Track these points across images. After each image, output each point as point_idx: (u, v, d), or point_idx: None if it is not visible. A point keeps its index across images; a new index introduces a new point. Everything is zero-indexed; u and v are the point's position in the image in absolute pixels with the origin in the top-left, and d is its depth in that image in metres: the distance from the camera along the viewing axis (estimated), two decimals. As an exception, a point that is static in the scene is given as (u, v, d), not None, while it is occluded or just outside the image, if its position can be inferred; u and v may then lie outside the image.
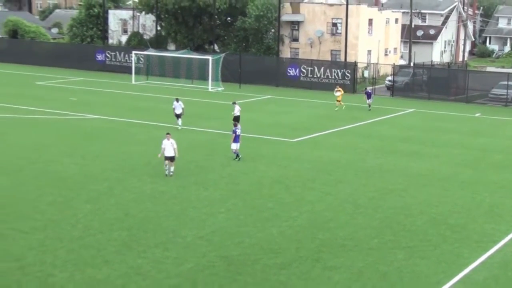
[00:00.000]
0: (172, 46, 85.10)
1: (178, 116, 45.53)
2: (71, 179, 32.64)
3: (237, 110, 45.42)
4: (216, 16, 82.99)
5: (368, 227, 26.90)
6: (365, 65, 76.95)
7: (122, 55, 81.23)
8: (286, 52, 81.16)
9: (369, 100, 56.72)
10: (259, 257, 23.49)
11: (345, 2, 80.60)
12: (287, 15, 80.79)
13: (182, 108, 45.61)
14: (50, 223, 26.35)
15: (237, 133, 37.10)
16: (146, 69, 75.31)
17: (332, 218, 27.91)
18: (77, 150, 38.94)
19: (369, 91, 57.73)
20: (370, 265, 22.99)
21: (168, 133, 33.31)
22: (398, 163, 38.19)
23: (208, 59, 69.84)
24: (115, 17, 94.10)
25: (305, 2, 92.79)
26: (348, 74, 69.81)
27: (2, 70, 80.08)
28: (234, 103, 46.24)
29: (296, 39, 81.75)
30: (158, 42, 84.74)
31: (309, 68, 71.85)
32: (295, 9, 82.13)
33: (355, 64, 70.87)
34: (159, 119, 48.14)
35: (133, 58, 75.08)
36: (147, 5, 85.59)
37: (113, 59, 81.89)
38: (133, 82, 71.22)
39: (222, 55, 72.95)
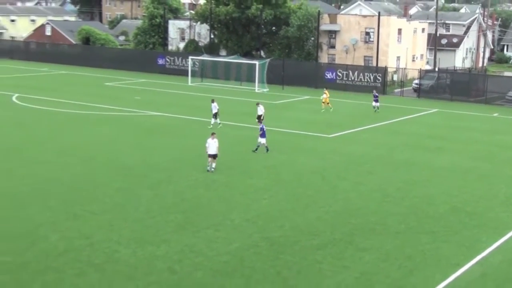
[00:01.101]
0: (223, 52, 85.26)
1: (214, 115, 45.11)
2: (135, 168, 32.99)
3: (260, 110, 44.68)
4: (262, 26, 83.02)
5: (396, 214, 26.74)
6: (395, 69, 76.40)
7: (180, 59, 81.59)
8: (324, 58, 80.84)
9: (376, 103, 54.96)
10: (298, 238, 23.51)
11: (377, 14, 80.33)
12: (325, 25, 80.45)
13: (217, 109, 45.01)
14: (116, 206, 26.70)
15: (264, 129, 37.07)
16: (201, 72, 75.56)
17: (363, 205, 27.80)
18: (141, 143, 39.33)
19: (377, 94, 55.86)
20: (397, 247, 22.87)
21: (213, 133, 32.87)
22: (422, 157, 37.82)
23: (255, 64, 69.92)
24: (174, 27, 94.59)
25: (342, 14, 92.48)
26: (379, 78, 69.36)
27: (76, 72, 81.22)
28: (258, 104, 45.62)
29: (333, 46, 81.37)
30: (212, 49, 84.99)
31: (344, 72, 71.51)
32: (333, 20, 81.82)
33: (385, 69, 70.42)
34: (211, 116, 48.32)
35: (190, 62, 75.45)
36: (202, 16, 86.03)
37: (172, 63, 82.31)
38: (189, 84, 71.58)
39: (268, 60, 72.91)
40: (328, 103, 54.76)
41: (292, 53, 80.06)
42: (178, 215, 25.77)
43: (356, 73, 70.92)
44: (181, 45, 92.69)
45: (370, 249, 22.67)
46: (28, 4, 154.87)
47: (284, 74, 71.85)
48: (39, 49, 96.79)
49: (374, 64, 75.07)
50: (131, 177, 31.10)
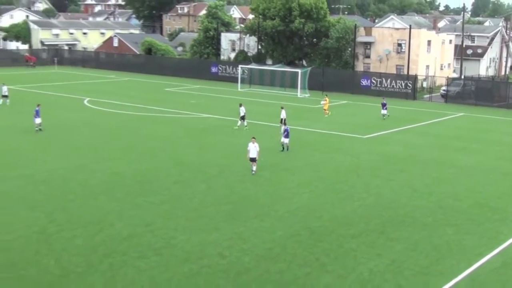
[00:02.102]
0: (269, 61, 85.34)
1: (241, 118, 44.77)
2: (191, 164, 33.25)
3: (283, 114, 43.31)
4: (304, 38, 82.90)
5: (424, 208, 26.43)
6: (424, 77, 75.45)
7: (231, 68, 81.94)
8: (360, 67, 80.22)
9: (385, 111, 52.05)
10: (335, 228, 23.43)
11: (408, 27, 79.46)
12: (361, 37, 79.82)
13: (244, 112, 44.56)
14: (174, 198, 26.96)
15: (288, 131, 36.79)
16: (249, 79, 75.74)
17: (394, 200, 27.55)
18: (196, 142, 39.64)
19: (385, 102, 53.19)
20: (424, 238, 22.62)
21: (253, 137, 31.70)
22: (449, 157, 37.26)
23: (297, 72, 69.78)
24: (226, 38, 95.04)
25: (376, 27, 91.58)
26: (410, 85, 68.52)
27: (139, 79, 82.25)
28: (282, 108, 44.43)
29: (368, 56, 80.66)
30: (259, 58, 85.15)
31: (378, 79, 70.85)
32: (368, 32, 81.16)
33: (415, 77, 69.55)
34: (259, 118, 48.38)
35: (239, 70, 75.68)
36: (251, 29, 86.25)
37: (224, 71, 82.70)
38: (239, 89, 71.81)
39: (309, 68, 72.71)
40: (325, 110, 52.71)
41: (331, 62, 79.70)
42: (228, 206, 25.92)
43: (388, 80, 70.23)
44: (232, 55, 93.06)
45: (400, 239, 22.48)
46: (98, 19, 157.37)
47: (324, 81, 71.56)
48: (108, 59, 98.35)
49: (405, 72, 74.20)
50: (187, 172, 31.38)
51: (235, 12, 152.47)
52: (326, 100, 53.39)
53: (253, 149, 30.98)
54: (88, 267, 19.30)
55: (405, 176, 32.17)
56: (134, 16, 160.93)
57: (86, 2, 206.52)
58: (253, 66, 76.61)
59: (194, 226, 23.30)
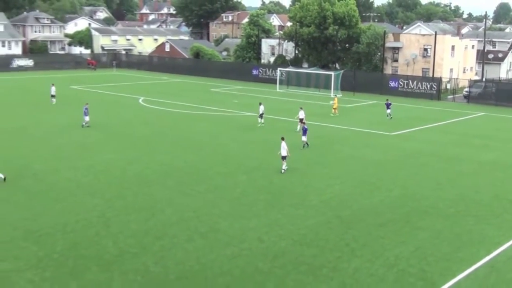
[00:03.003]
0: (305, 64, 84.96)
1: (260, 116, 44.32)
2: (233, 157, 33.35)
3: (301, 114, 42.06)
4: (337, 43, 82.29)
5: (446, 199, 26.01)
6: (448, 79, 74.13)
7: (270, 70, 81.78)
8: (388, 70, 79.16)
9: (388, 110, 50.09)
10: (364, 217, 23.25)
11: (434, 33, 78.12)
12: (390, 43, 78.77)
13: (263, 111, 44.27)
14: (218, 187, 27.11)
15: (306, 129, 36.03)
16: (287, 80, 75.52)
17: (419, 192, 27.17)
18: (238, 137, 39.74)
19: (389, 102, 50.92)
20: (447, 227, 22.29)
21: (282, 137, 30.50)
22: (470, 153, 36.53)
23: (331, 74, 69.35)
24: (266, 44, 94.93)
25: (404, 33, 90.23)
26: (435, 86, 67.42)
27: (188, 80, 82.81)
28: (301, 108, 43.40)
29: (396, 60, 79.53)
30: (296, 62, 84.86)
31: (405, 81, 69.83)
32: (396, 38, 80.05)
33: (440, 79, 68.51)
34: (295, 115, 48.23)
35: (278, 73, 75.50)
36: (289, 35, 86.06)
37: (264, 74, 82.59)
38: (277, 90, 71.70)
39: (341, 71, 72.09)
40: (335, 109, 51.27)
41: (362, 66, 78.93)
42: (267, 195, 25.94)
43: (415, 82, 69.19)
44: (271, 59, 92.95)
45: (424, 228, 22.18)
46: (152, 27, 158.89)
47: (355, 83, 71.00)
48: (160, 62, 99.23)
49: (431, 75, 73.06)
50: (230, 164, 31.48)
51: (275, 20, 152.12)
52: (335, 100, 52.44)
53: (284, 148, 29.97)
54: (141, 248, 19.58)
55: (429, 170, 31.68)
56: (184, 24, 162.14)
57: (141, 11, 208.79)
58: (291, 69, 76.39)
59: (236, 213, 23.41)
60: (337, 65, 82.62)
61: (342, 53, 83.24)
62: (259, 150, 35.56)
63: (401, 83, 70.23)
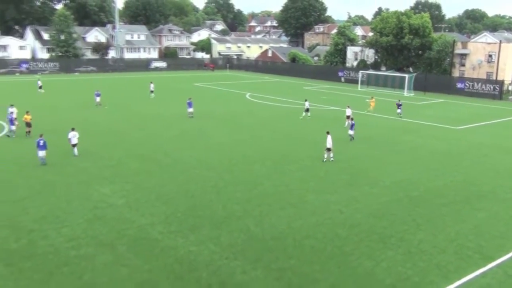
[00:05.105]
0: (383, 68, 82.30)
1: (306, 110, 42.85)
2: (319, 143, 31.88)
3: (348, 111, 39.74)
4: (412, 50, 78.85)
5: (504, 186, 24.35)
6: (510, 81, 68.95)
7: (353, 73, 79.99)
8: (456, 73, 74.77)
9: (399, 109, 44.57)
10: (429, 197, 22.32)
11: (498, 42, 72.81)
12: (458, 50, 74.34)
13: (308, 106, 42.91)
14: (306, 167, 26.83)
15: (353, 124, 33.92)
16: (367, 81, 73.62)
17: (479, 178, 25.63)
18: (324, 127, 38.81)
19: (400, 103, 45.20)
20: (504, 210, 20.94)
21: (328, 132, 28.86)
22: (528, 147, 33.96)
23: (405, 76, 66.83)
24: (351, 51, 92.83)
25: (471, 41, 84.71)
26: (497, 88, 63.01)
27: (285, 80, 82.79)
28: (348, 106, 41.06)
29: (463, 65, 74.93)
30: (375, 65, 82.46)
31: (471, 83, 65.70)
32: (464, 46, 75.37)
33: (502, 81, 63.88)
34: (379, 112, 46.97)
35: (360, 75, 73.77)
36: (370, 43, 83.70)
37: (348, 75, 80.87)
38: (359, 89, 70.09)
39: (414, 74, 69.28)
40: (371, 106, 47.72)
41: (433, 69, 75.22)
42: (347, 176, 25.55)
43: (479, 84, 64.97)
44: (355, 63, 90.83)
45: (482, 209, 20.95)
46: (258, 36, 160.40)
47: (426, 84, 67.88)
48: (263, 65, 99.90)
49: (494, 78, 68.29)
50: (316, 149, 31.10)
51: (359, 31, 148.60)
52: (372, 100, 48.79)
53: (329, 140, 28.21)
54: (244, 212, 19.98)
55: (490, 160, 29.76)
56: (284, 34, 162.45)
57: (250, 24, 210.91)
58: (371, 71, 74.38)
59: (321, 188, 23.27)
60: (410, 69, 79.36)
61: (416, 59, 79.70)
62: (341, 137, 34.90)
63: (467, 84, 66.21)
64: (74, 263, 15.39)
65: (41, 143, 25.94)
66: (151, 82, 57.19)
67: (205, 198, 21.51)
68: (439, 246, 17.28)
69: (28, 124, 33.16)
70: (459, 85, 66.74)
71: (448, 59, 74.76)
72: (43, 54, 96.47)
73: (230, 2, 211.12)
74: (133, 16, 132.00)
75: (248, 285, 14.48)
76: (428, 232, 18.38)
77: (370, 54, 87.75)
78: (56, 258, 15.70)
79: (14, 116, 34.35)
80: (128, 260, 15.68)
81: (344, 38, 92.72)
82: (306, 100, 44.85)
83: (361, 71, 74.59)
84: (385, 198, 22.19)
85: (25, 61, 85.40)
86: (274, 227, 18.58)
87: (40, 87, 58.30)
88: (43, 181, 23.16)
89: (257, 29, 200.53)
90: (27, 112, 34.01)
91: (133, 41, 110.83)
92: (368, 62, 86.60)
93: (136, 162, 26.92)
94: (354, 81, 76.36)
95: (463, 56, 74.83)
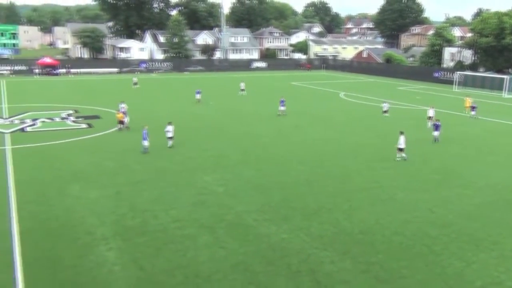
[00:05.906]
0: (481, 69, 76.41)
1: (385, 111, 40.39)
2: (411, 142, 30.79)
3: (431, 112, 36.50)
4: (514, 51, 72.62)
5: None
6: None
7: (449, 73, 75.22)
8: None
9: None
10: (527, 202, 20.33)
11: None
12: None
13: (387, 108, 40.92)
14: (397, 165, 25.74)
15: (437, 125, 31.05)
16: (464, 82, 68.83)
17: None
18: (417, 126, 37.13)
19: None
20: None
21: (401, 132, 27.13)
22: None
23: (505, 78, 61.58)
24: (448, 52, 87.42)
25: None
26: None
27: (379, 80, 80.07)
28: (432, 107, 37.49)
29: None
30: (473, 66, 76.83)
31: None
32: None
33: None
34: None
35: (456, 76, 69.11)
36: (469, 44, 78.43)
37: (444, 76, 76.22)
38: (454, 90, 65.77)
39: (515, 75, 63.75)
40: (467, 106, 43.18)
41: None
42: (438, 175, 24.11)
43: None
44: (451, 64, 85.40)
45: None
46: (354, 38, 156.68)
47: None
48: (358, 65, 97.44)
49: None
50: (407, 148, 29.52)
51: (457, 31, 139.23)
52: (467, 100, 44.35)
53: (402, 141, 26.46)
54: (335, 205, 19.69)
55: None
56: (379, 35, 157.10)
57: (346, 26, 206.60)
58: (467, 72, 69.39)
59: (411, 187, 22.23)
60: (510, 70, 72.86)
61: (518, 59, 73.12)
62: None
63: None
64: (179, 242, 16.20)
65: (145, 133, 27.56)
66: (242, 81, 58.58)
67: (298, 190, 21.51)
68: (536, 252, 15.73)
69: (121, 122, 33.56)
70: None
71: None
72: (159, 55, 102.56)
73: (328, 5, 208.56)
74: (237, 20, 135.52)
75: (336, 275, 14.28)
76: (524, 238, 16.80)
77: (467, 55, 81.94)
78: (164, 236, 16.64)
79: (124, 111, 36.01)
80: (225, 243, 16.18)
81: (441, 39, 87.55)
82: (384, 102, 43.06)
83: (458, 72, 69.88)
84: (479, 199, 20.63)
85: (144, 61, 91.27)
86: (363, 221, 18.10)
87: (135, 83, 62.32)
88: (156, 168, 24.62)
89: (353, 30, 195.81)
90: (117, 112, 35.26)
91: (237, 43, 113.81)
92: (465, 63, 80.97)
93: (236, 154, 27.62)
94: (449, 82, 71.80)
95: None
